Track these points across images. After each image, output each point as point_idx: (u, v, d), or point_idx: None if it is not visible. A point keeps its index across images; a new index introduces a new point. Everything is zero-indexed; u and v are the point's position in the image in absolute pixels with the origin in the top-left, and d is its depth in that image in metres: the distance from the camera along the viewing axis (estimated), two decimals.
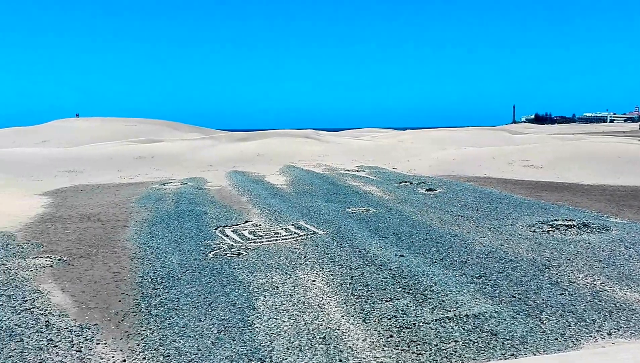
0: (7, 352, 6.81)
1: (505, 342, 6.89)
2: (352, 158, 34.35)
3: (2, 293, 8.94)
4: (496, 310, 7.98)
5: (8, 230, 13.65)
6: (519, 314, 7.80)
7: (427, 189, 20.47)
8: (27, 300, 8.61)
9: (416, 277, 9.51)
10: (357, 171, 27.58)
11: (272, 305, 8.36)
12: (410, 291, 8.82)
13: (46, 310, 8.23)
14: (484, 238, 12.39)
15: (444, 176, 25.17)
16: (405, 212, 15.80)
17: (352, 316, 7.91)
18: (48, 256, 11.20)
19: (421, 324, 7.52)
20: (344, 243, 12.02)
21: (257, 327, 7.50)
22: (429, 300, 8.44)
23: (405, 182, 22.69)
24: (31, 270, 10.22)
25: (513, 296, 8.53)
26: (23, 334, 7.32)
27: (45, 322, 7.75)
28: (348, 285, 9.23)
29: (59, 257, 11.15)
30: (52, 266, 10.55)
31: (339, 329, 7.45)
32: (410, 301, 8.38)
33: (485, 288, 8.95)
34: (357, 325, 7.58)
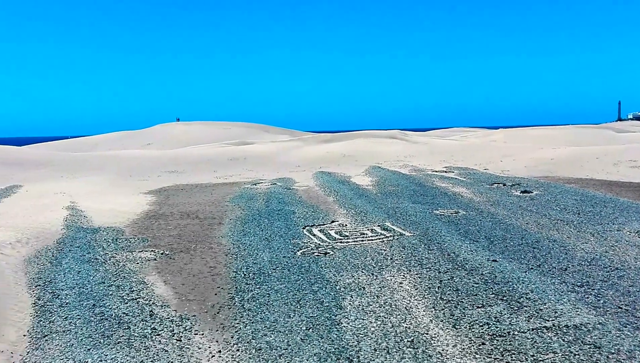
0: (116, 338, 7.42)
1: (610, 356, 6.46)
2: (440, 159, 33.64)
3: (112, 283, 9.73)
4: (600, 321, 7.50)
5: (118, 225, 14.80)
6: (625, 327, 7.28)
7: (522, 191, 19.58)
8: (133, 291, 9.31)
9: (510, 283, 9.16)
10: (446, 172, 26.96)
11: (359, 305, 8.42)
12: (504, 298, 8.51)
13: (150, 300, 8.85)
14: (587, 244, 11.67)
15: (540, 177, 23.95)
16: (498, 215, 15.24)
17: (442, 321, 7.78)
18: (152, 250, 12.02)
19: (516, 333, 7.25)
20: (432, 246, 11.82)
21: (344, 326, 7.59)
22: (525, 308, 8.10)
23: (498, 183, 21.85)
24: (137, 263, 11.03)
25: (619, 307, 7.97)
26: (130, 322, 7.94)
27: (150, 311, 8.35)
28: (437, 289, 9.08)
29: (161, 251, 11.93)
30: (155, 259, 11.31)
31: (427, 333, 7.36)
32: (504, 309, 8.09)
33: (587, 297, 8.44)
34: (447, 330, 7.44)
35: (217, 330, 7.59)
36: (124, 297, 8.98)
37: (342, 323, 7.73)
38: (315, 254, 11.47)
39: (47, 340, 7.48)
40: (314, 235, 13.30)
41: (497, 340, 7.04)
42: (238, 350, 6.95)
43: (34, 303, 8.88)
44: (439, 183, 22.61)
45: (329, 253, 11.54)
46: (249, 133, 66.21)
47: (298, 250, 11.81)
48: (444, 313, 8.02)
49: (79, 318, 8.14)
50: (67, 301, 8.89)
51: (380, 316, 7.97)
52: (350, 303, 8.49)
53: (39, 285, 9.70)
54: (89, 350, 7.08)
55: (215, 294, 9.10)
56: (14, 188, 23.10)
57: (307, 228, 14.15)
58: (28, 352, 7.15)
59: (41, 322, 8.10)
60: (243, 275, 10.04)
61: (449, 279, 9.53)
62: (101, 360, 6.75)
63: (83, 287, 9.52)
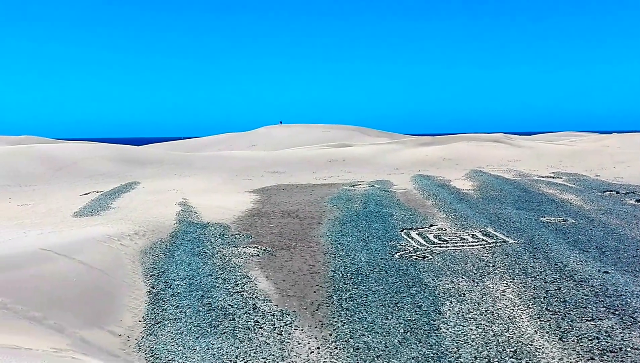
0: (222, 328, 7.88)
1: None
2: (546, 164, 31.80)
3: (218, 276, 10.33)
4: None
5: (224, 221, 15.63)
6: None
7: (637, 200, 18.04)
8: (238, 284, 9.82)
9: (623, 297, 8.53)
10: (553, 177, 25.45)
11: (459, 311, 8.26)
12: (616, 312, 7.95)
13: (253, 294, 9.29)
14: None
15: None
16: (610, 224, 14.18)
17: (547, 332, 7.43)
18: (255, 247, 12.58)
19: (629, 349, 6.75)
20: (538, 254, 11.27)
21: (443, 332, 7.49)
22: (639, 323, 7.52)
23: (611, 191, 20.28)
24: (242, 258, 11.60)
25: None
26: (235, 314, 8.39)
27: (253, 305, 8.77)
28: (542, 299, 8.67)
29: (264, 248, 12.45)
30: (258, 255, 11.83)
31: (531, 344, 7.07)
32: (615, 323, 7.56)
33: None
34: (553, 342, 7.10)
35: (316, 327, 7.81)
36: (230, 290, 9.49)
37: (441, 328, 7.64)
38: (414, 257, 11.39)
39: (160, 326, 8.11)
40: (412, 238, 13.19)
41: (608, 356, 6.61)
42: (336, 347, 7.11)
43: (148, 292, 9.63)
44: (546, 189, 21.43)
45: (427, 257, 11.41)
46: (348, 136, 66.86)
47: (396, 253, 11.78)
48: (549, 325, 7.65)
49: (189, 308, 8.73)
50: (178, 291, 9.56)
51: (481, 324, 7.77)
52: (449, 309, 8.35)
53: (154, 275, 10.50)
54: (197, 338, 7.59)
55: (314, 292, 9.35)
56: (132, 184, 25.15)
57: (405, 231, 14.07)
58: (143, 337, 7.80)
59: (155, 310, 8.78)
60: (341, 275, 10.22)
61: (555, 289, 9.06)
62: (208, 349, 7.21)
63: (193, 279, 10.19)
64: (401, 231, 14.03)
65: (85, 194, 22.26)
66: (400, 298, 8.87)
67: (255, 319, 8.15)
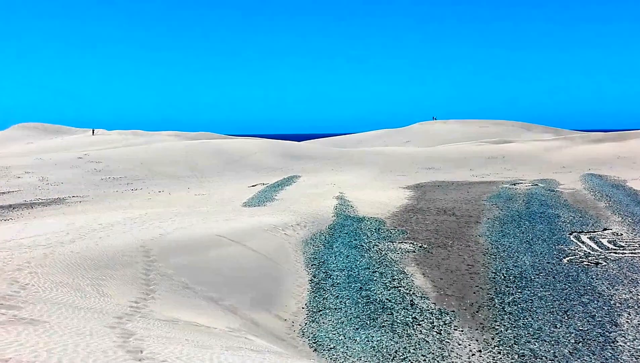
0: (381, 322, 8.00)
1: None
2: None
3: (375, 269, 10.49)
4: None
5: (379, 216, 15.82)
6: None
7: None
8: (394, 279, 9.88)
9: None
10: None
11: (639, 324, 7.40)
12: None
13: (410, 290, 9.28)
14: None
15: None
16: None
17: None
18: (411, 243, 12.54)
19: None
20: None
21: (620, 346, 6.78)
22: None
23: None
24: (397, 253, 11.64)
25: None
26: (392, 309, 8.47)
27: (410, 301, 8.77)
28: None
29: (420, 244, 12.35)
30: (414, 251, 11.78)
31: None
32: None
33: None
34: None
35: (477, 329, 7.56)
36: (387, 284, 9.59)
37: (617, 341, 6.93)
38: (585, 263, 10.45)
39: (321, 314, 8.48)
40: (583, 242, 12.10)
41: None
42: (499, 352, 6.82)
43: (310, 280, 10.11)
44: None
45: (600, 263, 10.39)
46: (508, 131, 63.29)
47: (564, 257, 10.92)
48: None
49: (348, 299, 9.00)
50: (338, 281, 9.91)
51: None
52: (627, 321, 7.53)
53: (314, 265, 11.00)
54: (357, 329, 7.80)
55: (474, 292, 9.05)
56: (294, 178, 26.61)
57: (574, 234, 12.97)
58: (306, 323, 8.22)
59: (316, 298, 9.20)
60: (503, 277, 9.75)
61: None
62: (368, 341, 7.37)
63: (351, 270, 10.48)
64: (570, 234, 12.97)
65: (252, 186, 24.09)
66: (570, 306, 8.21)
67: (413, 315, 8.14)
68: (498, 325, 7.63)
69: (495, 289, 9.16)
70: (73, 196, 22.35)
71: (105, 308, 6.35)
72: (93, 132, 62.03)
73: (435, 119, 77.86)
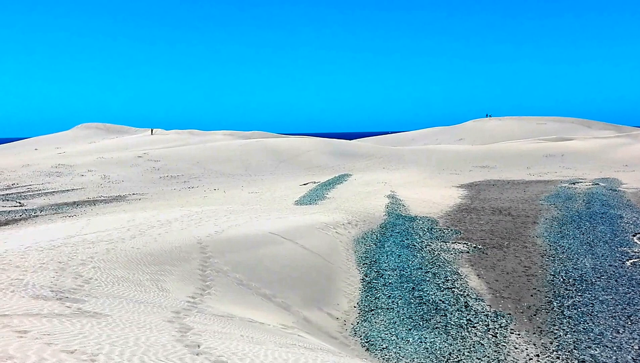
0: (434, 323, 7.88)
1: None
2: None
3: (428, 270, 10.34)
4: None
5: (432, 215, 15.60)
6: None
7: None
8: (448, 280, 9.71)
9: None
10: None
11: None
12: None
13: (464, 291, 9.09)
14: None
15: None
16: None
17: None
18: (465, 243, 12.29)
19: None
20: None
21: None
22: None
23: None
24: (451, 253, 11.44)
25: None
26: (446, 310, 8.32)
27: (464, 302, 8.59)
28: None
29: (474, 245, 12.09)
30: (468, 252, 11.53)
31: None
32: None
33: None
34: None
35: (534, 333, 7.33)
36: (440, 285, 9.44)
37: None
38: None
39: (373, 314, 8.44)
40: None
41: None
42: (558, 357, 6.59)
43: (362, 279, 10.08)
44: None
45: None
46: (566, 128, 60.88)
47: (627, 259, 10.43)
48: None
49: (400, 299, 8.92)
50: (389, 281, 9.83)
51: None
52: None
53: (366, 264, 10.95)
54: (409, 330, 7.72)
55: (531, 295, 8.77)
56: (345, 176, 26.63)
57: (637, 235, 12.38)
58: (358, 322, 8.20)
59: (368, 297, 9.16)
60: (562, 280, 9.40)
61: None
62: (421, 342, 7.28)
63: (403, 270, 10.38)
64: (633, 236, 12.40)
65: (304, 184, 24.28)
66: (634, 310, 7.83)
67: (467, 317, 7.98)
68: (557, 329, 7.38)
69: (554, 292, 8.85)
70: (133, 194, 23.22)
71: (164, 302, 6.56)
72: (152, 132, 64.11)
73: (490, 116, 75.85)
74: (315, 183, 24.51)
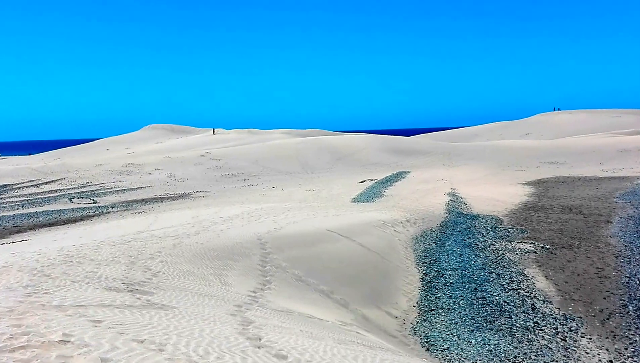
0: (498, 324, 7.63)
1: None
2: None
3: (492, 270, 10.03)
4: None
5: (496, 214, 15.13)
6: None
7: None
8: (513, 281, 9.38)
9: None
10: None
11: None
12: None
13: (531, 293, 8.75)
14: None
15: None
16: None
17: None
18: (532, 243, 11.83)
19: None
20: None
21: None
22: None
23: None
24: (516, 253, 11.05)
25: None
26: (511, 312, 8.04)
27: (531, 304, 8.26)
28: None
29: (541, 245, 11.62)
30: (535, 252, 11.10)
31: None
32: None
33: None
34: None
35: (607, 338, 6.95)
36: (504, 286, 9.14)
37: None
38: None
39: (433, 314, 8.28)
40: None
41: None
42: None
43: (421, 279, 9.92)
44: None
45: None
46: None
47: None
48: None
49: (462, 299, 8.70)
50: (450, 281, 9.62)
51: None
52: None
53: (425, 263, 10.77)
54: (472, 331, 7.51)
55: (604, 298, 8.32)
56: (403, 173, 26.31)
57: None
58: (417, 322, 8.06)
59: (428, 297, 8.99)
60: (638, 282, 8.87)
61: None
62: (485, 344, 7.07)
63: (465, 270, 10.12)
64: None
65: (361, 181, 24.19)
66: None
67: (534, 320, 7.67)
68: (632, 334, 6.97)
69: (630, 295, 8.36)
70: (197, 191, 23.95)
71: (227, 296, 6.71)
72: (214, 132, 65.89)
73: (558, 109, 72.74)
74: (372, 180, 24.36)
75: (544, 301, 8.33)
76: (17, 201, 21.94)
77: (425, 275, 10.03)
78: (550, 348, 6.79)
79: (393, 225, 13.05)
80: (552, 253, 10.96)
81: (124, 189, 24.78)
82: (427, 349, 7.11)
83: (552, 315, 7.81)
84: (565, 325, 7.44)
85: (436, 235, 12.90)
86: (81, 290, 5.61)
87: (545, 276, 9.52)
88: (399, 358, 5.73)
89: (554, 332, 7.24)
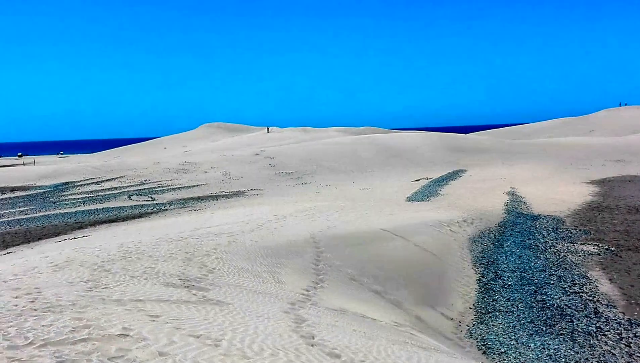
0: (558, 329, 7.35)
1: None
2: None
3: (552, 272, 9.67)
4: None
5: (558, 214, 14.58)
6: None
7: None
8: (575, 284, 9.00)
9: None
10: None
11: None
12: None
13: (594, 297, 8.38)
14: None
15: None
16: None
17: None
18: (595, 244, 11.32)
19: None
20: None
21: None
22: None
23: None
24: (579, 255, 10.60)
25: None
26: (573, 316, 7.72)
27: (594, 308, 7.91)
28: None
29: (606, 247, 11.10)
30: (599, 254, 10.62)
31: None
32: None
33: None
34: None
35: None
36: (566, 289, 8.79)
37: None
38: None
39: (490, 316, 8.06)
40: None
41: None
42: None
43: (478, 280, 9.68)
44: None
45: None
46: None
47: None
48: None
49: (521, 302, 8.43)
50: (509, 283, 9.34)
51: None
52: None
53: (483, 264, 10.50)
54: (531, 335, 7.27)
55: None
56: (459, 172, 25.76)
57: None
58: (474, 325, 7.87)
59: (485, 299, 8.77)
60: None
61: None
62: (544, 348, 6.82)
63: (524, 272, 9.81)
64: None
65: (416, 180, 23.87)
66: None
67: (597, 325, 7.34)
68: None
69: None
70: (251, 189, 24.36)
71: (280, 294, 6.79)
72: (268, 130, 66.81)
73: (625, 105, 69.18)
74: (427, 179, 23.99)
75: (607, 306, 7.96)
76: (78, 198, 23.05)
77: (483, 277, 9.80)
78: (613, 354, 6.48)
79: (449, 225, 12.83)
80: (617, 255, 10.45)
81: (180, 187, 25.52)
82: (484, 352, 6.93)
83: (616, 319, 7.45)
84: (630, 330, 7.07)
85: (494, 235, 12.57)
86: (140, 285, 5.83)
87: (610, 280, 9.08)
88: (454, 360, 5.63)
89: (617, 337, 6.90)
